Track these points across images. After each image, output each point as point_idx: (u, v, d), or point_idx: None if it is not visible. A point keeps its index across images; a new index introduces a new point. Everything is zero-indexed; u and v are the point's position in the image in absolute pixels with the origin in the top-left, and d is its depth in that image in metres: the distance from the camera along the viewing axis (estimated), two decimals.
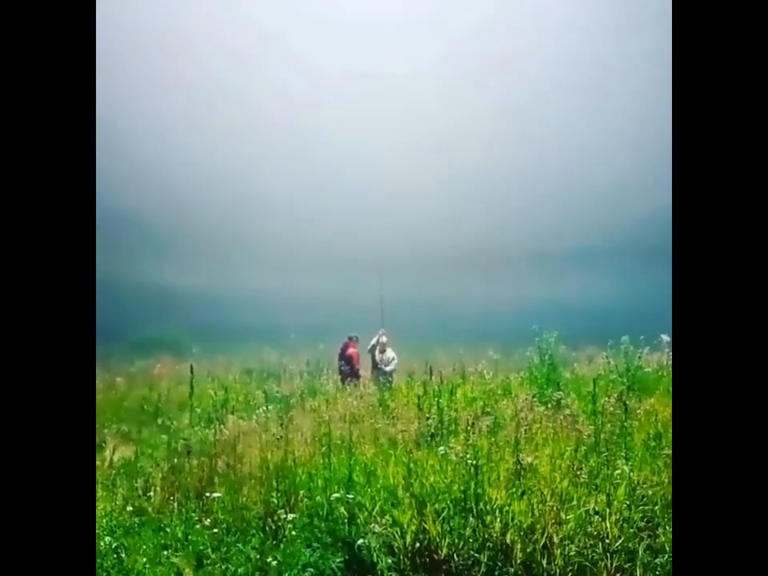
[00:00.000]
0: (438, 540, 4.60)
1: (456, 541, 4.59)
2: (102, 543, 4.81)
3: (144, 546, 4.88)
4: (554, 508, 4.61)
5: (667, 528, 4.47)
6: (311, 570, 4.48)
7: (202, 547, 4.85)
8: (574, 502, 4.71)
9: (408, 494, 4.96)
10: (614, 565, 4.29)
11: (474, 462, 4.93)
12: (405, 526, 4.69)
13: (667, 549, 4.30)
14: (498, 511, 4.69)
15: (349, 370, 12.54)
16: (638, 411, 7.39)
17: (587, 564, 4.35)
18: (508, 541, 4.53)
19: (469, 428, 5.66)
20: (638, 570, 4.24)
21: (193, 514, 5.44)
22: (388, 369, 12.62)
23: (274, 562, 4.49)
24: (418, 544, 4.65)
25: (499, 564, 4.48)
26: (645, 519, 4.68)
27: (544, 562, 4.39)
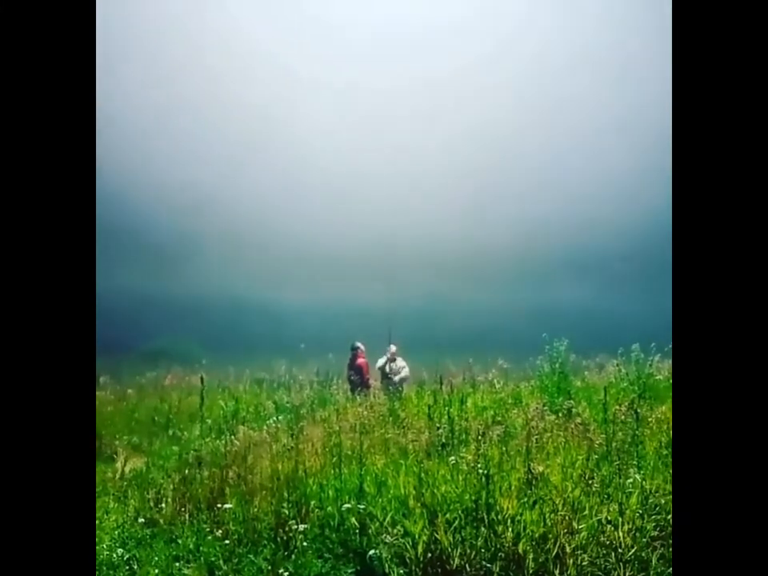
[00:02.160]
0: (449, 550, 4.58)
1: (468, 551, 4.57)
2: (114, 555, 4.83)
3: (156, 558, 4.90)
4: (566, 517, 4.58)
5: None
6: None
7: (213, 558, 4.86)
8: (586, 512, 4.68)
9: (419, 504, 4.95)
10: (628, 574, 4.26)
11: (485, 471, 4.91)
12: (416, 536, 4.68)
13: None
14: (509, 521, 4.66)
15: (359, 380, 12.50)
16: (649, 419, 7.34)
17: (600, 574, 4.32)
18: (520, 551, 4.50)
19: (480, 437, 5.65)
20: None
21: (204, 525, 5.46)
22: (399, 376, 12.54)
23: (286, 573, 4.50)
24: (429, 554, 4.63)
25: (511, 574, 4.45)
26: (658, 528, 4.64)
27: (557, 571, 4.36)
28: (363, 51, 36.83)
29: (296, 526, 5.03)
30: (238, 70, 36.10)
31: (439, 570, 4.57)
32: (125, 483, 7.32)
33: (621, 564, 4.29)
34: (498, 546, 4.57)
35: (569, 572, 4.33)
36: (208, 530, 5.35)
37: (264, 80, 36.38)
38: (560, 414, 7.86)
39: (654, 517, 4.69)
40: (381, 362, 12.79)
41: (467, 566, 4.51)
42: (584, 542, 4.47)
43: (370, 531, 4.93)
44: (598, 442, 6.25)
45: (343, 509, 5.20)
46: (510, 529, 4.62)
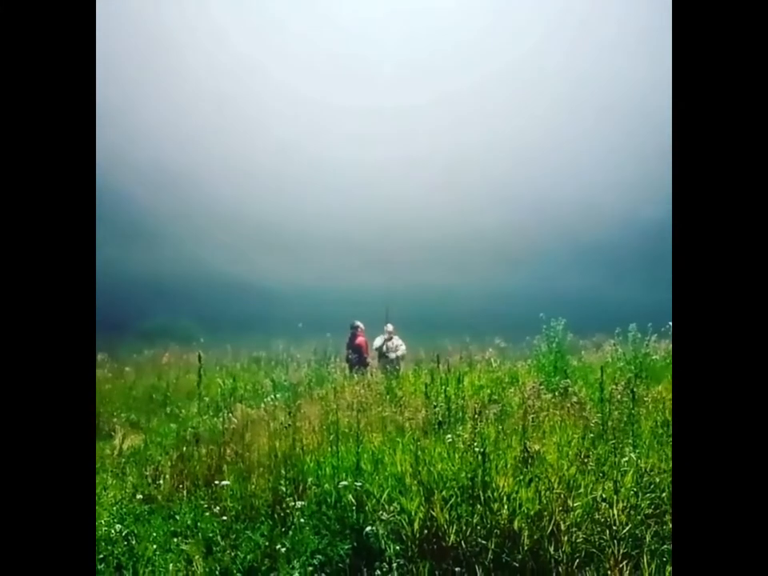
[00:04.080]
0: (445, 527, 4.62)
1: (463, 528, 4.60)
2: (112, 531, 4.85)
3: (154, 534, 4.93)
4: (562, 495, 4.61)
5: None
6: (319, 556, 4.51)
7: (211, 534, 4.89)
8: (582, 490, 4.71)
9: (415, 482, 4.98)
10: (621, 552, 4.29)
11: (482, 449, 4.93)
12: (412, 513, 4.71)
13: None
14: (505, 498, 4.70)
15: (357, 359, 12.54)
16: (645, 399, 7.38)
17: (594, 551, 4.36)
18: (515, 528, 4.54)
19: (476, 416, 5.67)
20: (645, 557, 4.24)
21: (202, 502, 5.49)
22: (397, 353, 12.61)
23: (283, 549, 4.52)
24: (425, 531, 4.67)
25: (506, 551, 4.49)
26: (652, 506, 4.68)
27: (551, 548, 4.40)
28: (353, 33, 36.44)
29: (293, 503, 5.06)
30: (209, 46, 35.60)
31: (435, 547, 4.61)
32: (123, 460, 7.34)
33: (615, 541, 4.32)
34: (494, 523, 4.60)
35: (563, 549, 4.37)
36: (206, 506, 5.38)
37: (244, 59, 35.92)
38: (556, 393, 7.90)
39: (648, 495, 4.72)
40: (378, 342, 12.84)
41: (463, 542, 4.55)
42: (579, 519, 4.50)
43: (366, 508, 4.96)
44: (594, 421, 6.29)
45: (340, 486, 5.23)
46: (506, 506, 4.65)
